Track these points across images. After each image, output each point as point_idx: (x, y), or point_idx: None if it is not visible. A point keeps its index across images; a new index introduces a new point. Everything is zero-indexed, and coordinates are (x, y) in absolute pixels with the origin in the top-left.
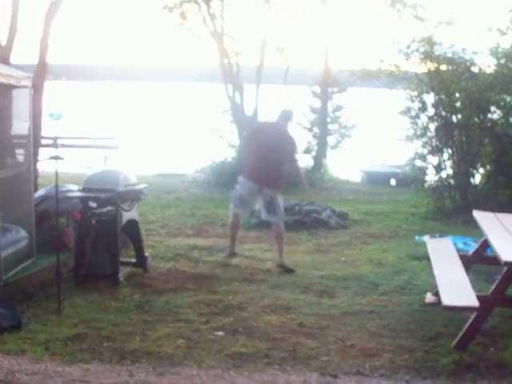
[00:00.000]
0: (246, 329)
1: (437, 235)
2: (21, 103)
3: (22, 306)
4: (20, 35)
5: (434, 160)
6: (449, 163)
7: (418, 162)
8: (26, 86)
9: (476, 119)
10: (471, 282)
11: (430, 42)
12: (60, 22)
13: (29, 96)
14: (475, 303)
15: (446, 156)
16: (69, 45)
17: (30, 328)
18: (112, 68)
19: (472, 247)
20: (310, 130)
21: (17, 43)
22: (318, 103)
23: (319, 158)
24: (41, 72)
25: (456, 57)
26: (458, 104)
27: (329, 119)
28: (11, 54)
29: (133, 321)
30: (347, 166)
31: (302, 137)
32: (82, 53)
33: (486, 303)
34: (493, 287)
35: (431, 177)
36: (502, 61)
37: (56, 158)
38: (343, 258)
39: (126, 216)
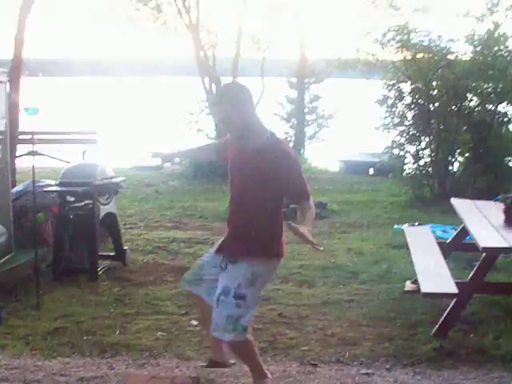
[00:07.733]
0: None
1: (416, 223)
2: None
3: (1, 301)
4: None
5: (411, 148)
6: (427, 151)
7: (396, 151)
8: (0, 82)
9: (453, 107)
10: (450, 269)
11: (405, 30)
12: (35, 16)
13: (4, 91)
14: (454, 290)
15: (423, 144)
16: (43, 40)
17: (10, 323)
18: (87, 62)
19: (451, 235)
20: (288, 120)
21: None
22: (294, 94)
23: (297, 149)
24: (16, 67)
25: (432, 45)
26: (435, 92)
27: (306, 109)
28: None
29: (112, 314)
30: (325, 156)
31: (279, 128)
32: (56, 47)
33: (465, 290)
34: (471, 274)
35: (409, 165)
36: (479, 48)
37: (33, 153)
38: (322, 248)
39: (104, 209)
